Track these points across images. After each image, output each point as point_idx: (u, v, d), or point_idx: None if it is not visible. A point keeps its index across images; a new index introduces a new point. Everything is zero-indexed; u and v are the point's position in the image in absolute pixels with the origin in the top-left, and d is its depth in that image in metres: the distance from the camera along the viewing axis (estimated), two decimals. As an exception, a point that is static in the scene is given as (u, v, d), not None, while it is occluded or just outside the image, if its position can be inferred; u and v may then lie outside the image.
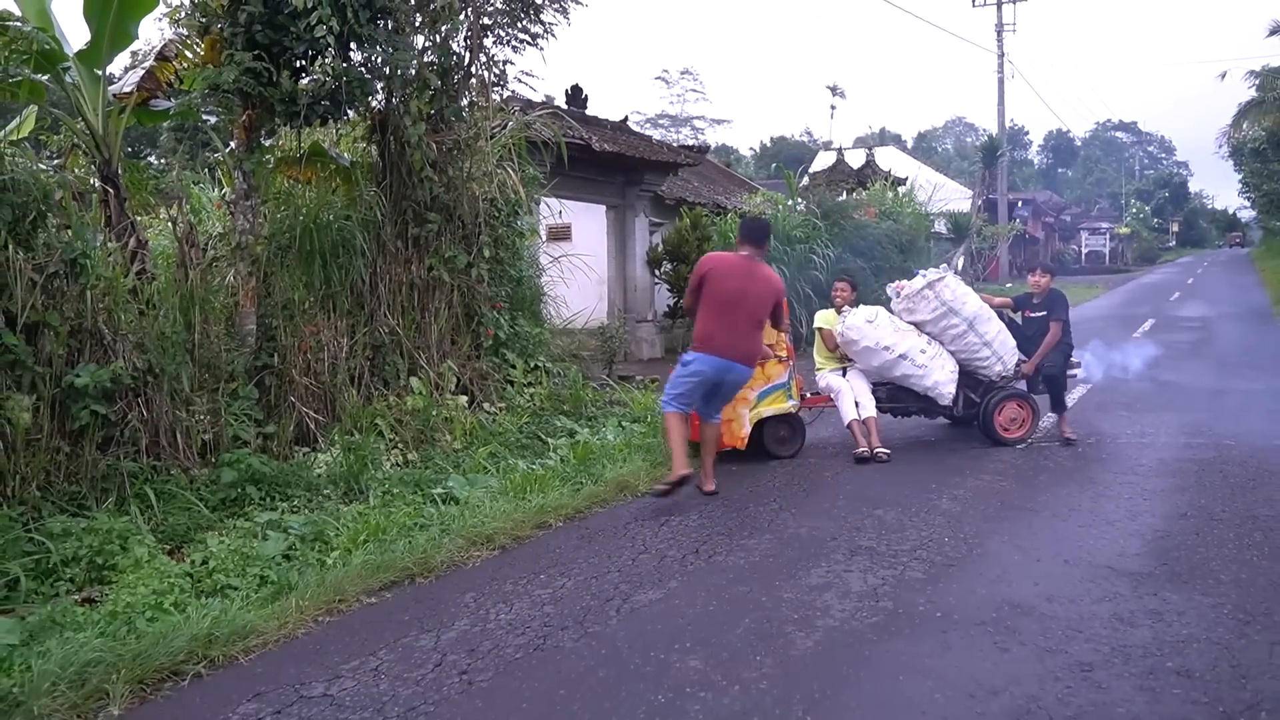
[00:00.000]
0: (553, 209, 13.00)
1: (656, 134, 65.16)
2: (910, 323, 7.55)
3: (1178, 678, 3.32)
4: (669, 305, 15.57)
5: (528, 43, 8.46)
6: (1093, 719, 3.04)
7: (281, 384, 7.22)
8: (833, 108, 51.93)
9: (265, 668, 3.67)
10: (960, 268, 25.36)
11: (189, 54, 7.24)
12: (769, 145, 76.85)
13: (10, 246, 5.23)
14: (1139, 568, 4.50)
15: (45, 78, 6.58)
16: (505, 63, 8.66)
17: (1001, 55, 30.83)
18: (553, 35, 8.54)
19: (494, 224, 8.89)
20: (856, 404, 7.41)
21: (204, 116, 8.08)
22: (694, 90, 75.89)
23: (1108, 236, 49.36)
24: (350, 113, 7.88)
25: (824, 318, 7.91)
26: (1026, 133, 74.05)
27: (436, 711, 3.26)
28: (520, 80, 8.68)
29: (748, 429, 7.21)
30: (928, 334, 7.53)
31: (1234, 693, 3.21)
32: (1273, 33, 35.71)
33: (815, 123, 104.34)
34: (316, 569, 4.67)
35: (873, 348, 7.37)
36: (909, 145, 77.89)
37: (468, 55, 8.33)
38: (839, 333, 7.56)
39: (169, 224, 7.28)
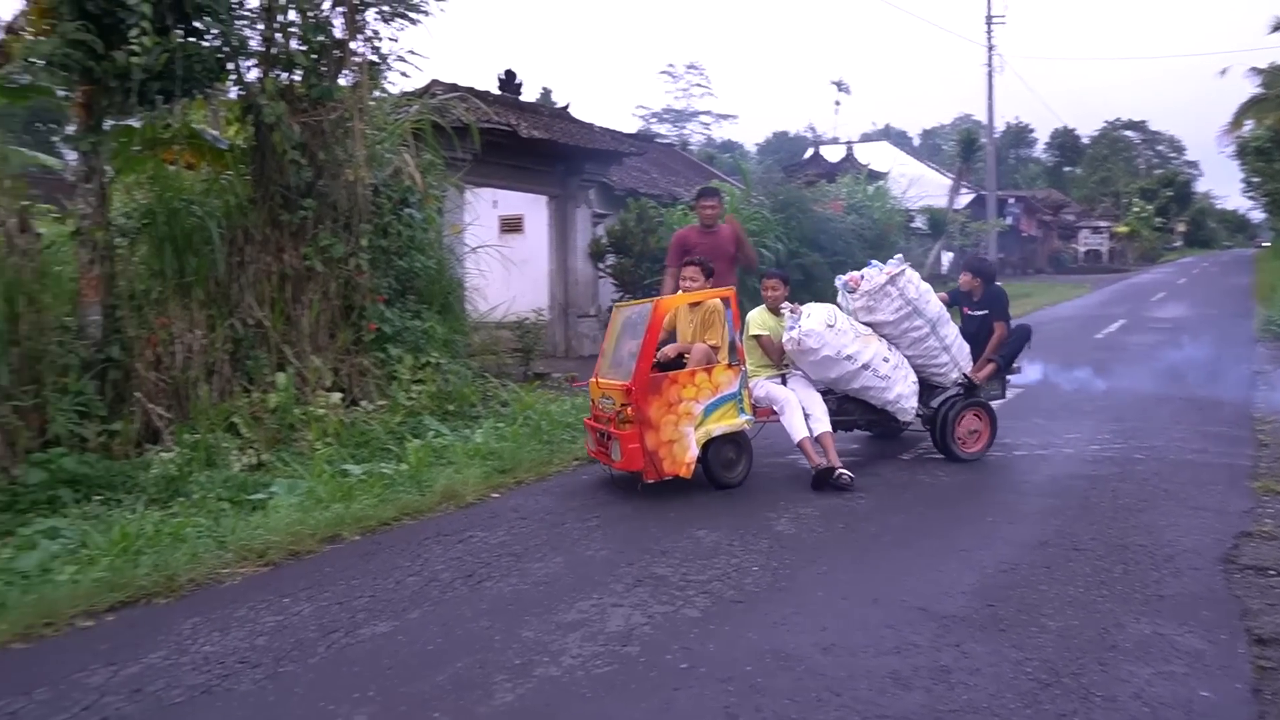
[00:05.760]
0: (485, 199, 12.58)
1: (663, 129, 64.65)
2: (866, 323, 6.57)
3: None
4: (614, 300, 15.06)
5: (407, 19, 7.97)
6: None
7: (127, 379, 6.82)
8: (837, 103, 51.59)
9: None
10: (930, 264, 24.75)
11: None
12: (771, 140, 76.15)
13: None
14: (957, 610, 3.96)
15: None
16: (391, 40, 8.24)
17: (990, 48, 30.16)
18: (426, 12, 8.07)
19: (380, 212, 8.46)
20: (806, 416, 6.26)
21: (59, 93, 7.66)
22: (699, 85, 75.29)
23: (1106, 235, 48.51)
24: (210, 92, 7.45)
25: (759, 321, 6.67)
26: (1032, 130, 73.06)
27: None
28: (403, 59, 8.20)
29: (694, 452, 5.84)
30: (884, 336, 6.60)
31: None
32: (1275, 29, 34.92)
33: (820, 118, 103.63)
34: (49, 585, 4.24)
35: (833, 357, 6.25)
36: (915, 142, 76.95)
37: (345, 32, 7.86)
38: (793, 339, 6.26)
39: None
